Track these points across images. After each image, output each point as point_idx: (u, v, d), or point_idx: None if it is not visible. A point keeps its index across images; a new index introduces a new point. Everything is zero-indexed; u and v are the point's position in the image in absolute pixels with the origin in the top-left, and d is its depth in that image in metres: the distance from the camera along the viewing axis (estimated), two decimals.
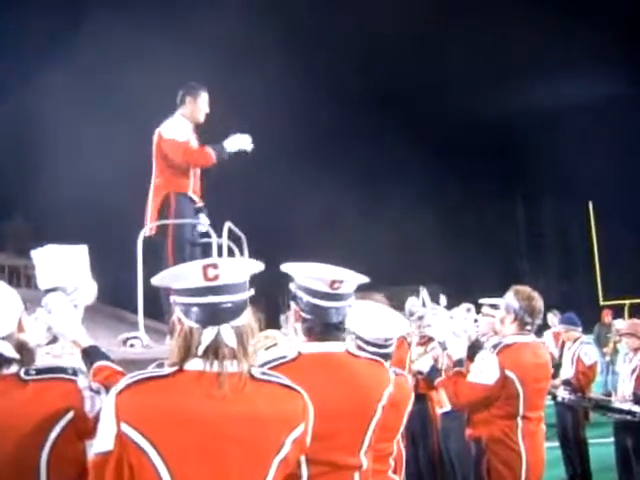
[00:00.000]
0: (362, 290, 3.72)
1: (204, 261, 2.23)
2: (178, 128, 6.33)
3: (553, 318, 11.46)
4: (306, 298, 2.79)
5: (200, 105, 6.48)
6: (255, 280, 2.35)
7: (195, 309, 2.20)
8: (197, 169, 6.54)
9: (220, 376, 2.17)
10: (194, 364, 2.20)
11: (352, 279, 2.83)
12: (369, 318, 3.46)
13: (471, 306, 5.95)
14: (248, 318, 2.27)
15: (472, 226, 38.31)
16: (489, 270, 35.51)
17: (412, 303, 6.61)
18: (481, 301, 5.72)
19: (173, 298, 2.27)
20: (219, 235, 6.05)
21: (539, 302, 4.81)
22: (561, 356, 9.03)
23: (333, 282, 2.75)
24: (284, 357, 2.77)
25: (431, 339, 5.90)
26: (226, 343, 2.18)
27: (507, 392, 4.55)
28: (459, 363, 4.83)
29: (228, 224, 6.14)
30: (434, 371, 5.32)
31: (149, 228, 6.24)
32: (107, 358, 3.07)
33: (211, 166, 6.42)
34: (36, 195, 26.21)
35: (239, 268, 2.29)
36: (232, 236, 6.31)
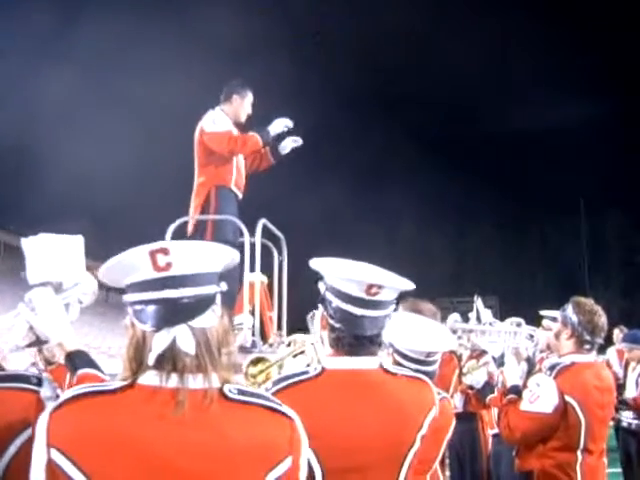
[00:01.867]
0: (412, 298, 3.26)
1: (150, 246, 1.77)
2: (220, 120, 6.16)
3: (619, 334, 10.66)
4: (336, 302, 2.31)
5: (245, 105, 6.38)
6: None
7: (145, 308, 1.76)
8: (241, 164, 6.31)
9: (178, 393, 1.71)
10: (148, 378, 1.75)
11: (394, 284, 2.34)
12: (409, 329, 2.95)
13: (521, 320, 5.35)
14: (217, 318, 1.82)
15: (533, 239, 37.49)
16: (548, 284, 34.59)
17: (454, 319, 6.05)
18: (542, 313, 5.11)
19: (123, 297, 1.83)
20: (252, 234, 5.63)
21: (602, 318, 4.14)
22: (625, 377, 8.35)
23: (370, 286, 2.27)
24: (305, 373, 2.31)
25: (484, 352, 5.38)
26: (181, 349, 1.73)
27: (567, 421, 3.91)
28: (514, 390, 4.25)
29: (263, 221, 5.73)
30: (487, 387, 4.78)
31: (189, 225, 5.87)
32: (94, 365, 2.64)
33: (258, 150, 6.29)
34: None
35: (200, 254, 1.82)
36: (268, 235, 5.90)
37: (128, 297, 1.81)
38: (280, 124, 6.22)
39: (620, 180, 32.69)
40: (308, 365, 3.24)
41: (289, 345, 3.75)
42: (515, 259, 35.22)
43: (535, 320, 5.29)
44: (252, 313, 5.95)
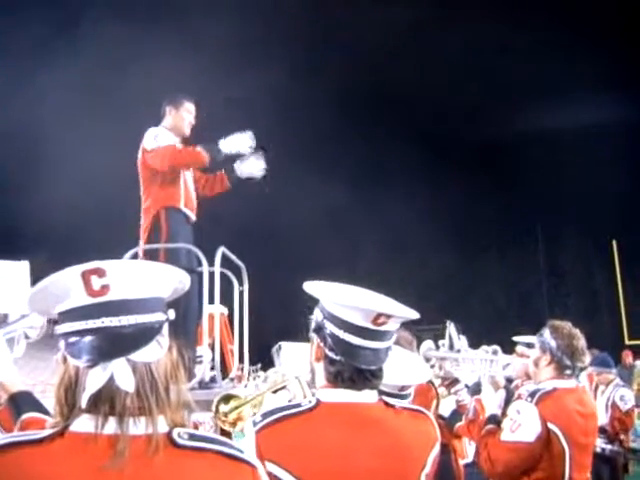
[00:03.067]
0: None
1: (83, 266, 1.51)
2: (162, 136, 5.72)
3: (589, 358, 10.57)
4: (337, 332, 2.10)
5: (183, 115, 5.94)
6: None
7: (80, 340, 1.50)
8: (189, 182, 5.90)
9: (117, 441, 1.45)
10: (81, 424, 1.48)
11: (403, 314, 2.14)
12: None
13: (497, 348, 5.16)
14: (164, 351, 1.56)
15: (492, 265, 37.69)
16: (509, 310, 34.76)
17: (428, 347, 5.83)
18: (515, 339, 4.93)
19: (55, 328, 1.56)
20: (211, 262, 5.35)
21: (581, 341, 3.97)
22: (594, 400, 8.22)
23: (378, 316, 2.07)
24: (297, 406, 2.10)
25: (456, 381, 5.18)
26: (119, 387, 1.47)
27: (550, 450, 3.68)
28: (492, 419, 4.02)
29: (222, 249, 5.45)
30: (456, 416, 4.57)
31: (138, 254, 5.52)
32: (40, 408, 2.36)
33: (202, 166, 5.81)
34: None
35: (143, 276, 1.56)
36: (228, 264, 5.63)
37: (60, 328, 1.54)
38: (237, 143, 5.71)
39: (577, 202, 32.98)
40: (290, 401, 3.00)
41: (265, 380, 3.49)
42: (476, 285, 35.34)
43: (504, 347, 5.13)
44: (212, 346, 5.66)
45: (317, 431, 2.00)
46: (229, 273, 5.91)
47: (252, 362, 5.22)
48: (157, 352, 1.54)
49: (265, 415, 2.05)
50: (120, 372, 1.48)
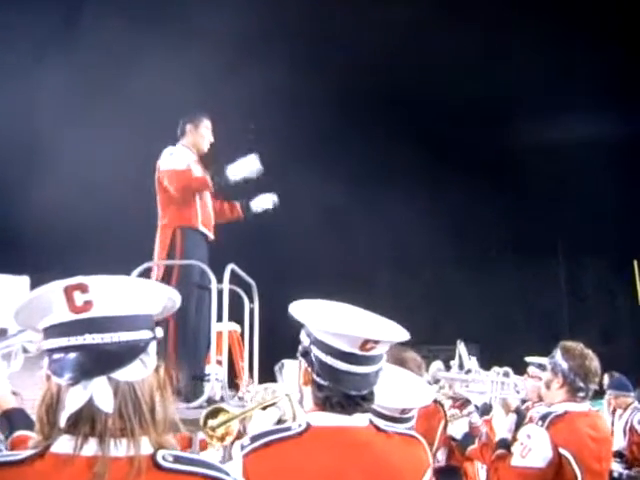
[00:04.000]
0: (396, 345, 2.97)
1: (66, 282, 1.46)
2: (178, 157, 5.79)
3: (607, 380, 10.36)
4: (323, 358, 2.03)
5: (202, 133, 6.02)
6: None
7: (61, 356, 1.45)
8: (206, 201, 5.94)
9: (97, 464, 1.39)
10: (61, 444, 1.43)
11: (391, 338, 2.09)
12: (381, 383, 2.64)
13: (509, 370, 5.07)
14: (150, 370, 1.50)
15: (511, 285, 37.42)
16: (529, 331, 34.44)
17: (437, 367, 5.73)
18: (527, 359, 4.83)
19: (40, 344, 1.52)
20: (220, 279, 5.30)
21: (594, 362, 3.85)
22: (612, 425, 8.06)
23: (366, 342, 2.00)
24: (287, 430, 2.03)
25: (467, 402, 5.09)
26: (98, 407, 1.41)
27: (562, 476, 3.57)
28: (502, 443, 3.92)
29: (231, 266, 5.41)
30: (468, 438, 4.47)
31: (155, 272, 5.51)
32: (32, 426, 2.31)
33: (206, 190, 5.83)
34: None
35: (128, 292, 1.51)
36: (237, 281, 5.58)
37: (44, 344, 1.50)
38: (244, 168, 5.71)
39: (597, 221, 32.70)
40: (280, 419, 2.94)
41: (254, 396, 3.43)
42: (495, 305, 35.07)
43: (520, 367, 5.03)
44: (220, 364, 5.62)
45: (306, 456, 1.94)
46: (239, 290, 5.87)
47: (264, 379, 5.16)
48: (142, 371, 1.49)
49: (253, 439, 1.99)
50: (100, 391, 1.43)
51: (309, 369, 2.08)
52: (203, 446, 4.55)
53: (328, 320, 2.05)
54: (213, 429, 3.06)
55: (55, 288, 1.46)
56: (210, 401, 5.19)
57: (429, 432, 4.29)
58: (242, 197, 6.19)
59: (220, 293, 5.26)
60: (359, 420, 2.07)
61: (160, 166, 5.75)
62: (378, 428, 2.11)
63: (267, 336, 6.31)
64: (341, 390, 2.02)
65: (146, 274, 5.45)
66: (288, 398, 2.94)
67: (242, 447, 1.98)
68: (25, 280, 2.69)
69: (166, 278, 5.49)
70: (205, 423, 3.08)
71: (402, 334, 2.11)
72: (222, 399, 5.28)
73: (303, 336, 2.11)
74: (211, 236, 5.91)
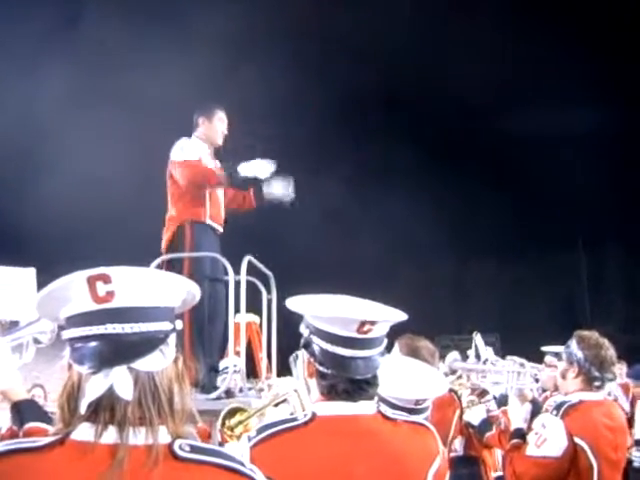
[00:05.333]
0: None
1: (89, 272, 1.49)
2: (190, 148, 5.69)
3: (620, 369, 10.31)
4: (324, 346, 2.06)
5: (216, 125, 5.89)
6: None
7: (84, 346, 1.47)
8: (216, 195, 5.86)
9: (116, 451, 1.42)
10: (81, 432, 1.45)
11: (388, 318, 2.09)
12: (395, 374, 2.66)
13: (524, 360, 5.05)
14: (169, 361, 1.53)
15: (531, 276, 37.13)
16: (550, 322, 34.25)
17: (453, 358, 5.72)
18: (544, 349, 4.82)
19: (62, 333, 1.56)
20: (237, 271, 5.32)
21: (609, 351, 3.83)
22: (632, 414, 8.01)
23: (363, 324, 2.02)
24: (293, 420, 2.05)
25: (485, 391, 5.09)
26: (119, 396, 1.44)
27: (577, 466, 3.56)
28: (518, 433, 3.92)
29: (248, 258, 5.42)
30: (486, 424, 4.46)
31: (159, 265, 5.51)
32: (44, 417, 2.35)
33: (218, 188, 5.77)
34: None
35: (150, 284, 1.54)
36: (255, 271, 5.60)
37: (66, 333, 1.53)
38: (258, 168, 5.64)
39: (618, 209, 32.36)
40: (292, 414, 2.97)
41: (269, 390, 3.45)
42: (515, 295, 34.85)
43: (538, 357, 5.02)
44: (239, 355, 5.65)
45: (312, 446, 1.96)
46: (257, 282, 5.89)
47: (283, 370, 5.20)
48: (161, 362, 1.52)
49: (260, 430, 2.02)
50: (120, 380, 1.46)
51: (312, 360, 2.11)
52: (223, 440, 4.60)
53: (323, 306, 2.08)
54: (232, 429, 3.10)
55: (78, 278, 1.49)
56: (229, 393, 5.23)
57: (443, 421, 4.30)
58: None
59: (237, 284, 5.27)
60: (365, 408, 2.08)
61: (171, 157, 5.67)
62: (385, 416, 2.12)
63: (286, 327, 6.33)
64: (345, 376, 2.04)
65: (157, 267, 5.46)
66: (297, 393, 2.97)
67: (249, 439, 2.00)
68: (32, 272, 2.74)
69: (177, 271, 5.48)
70: (223, 424, 3.12)
71: (398, 314, 2.12)
72: (241, 390, 5.31)
73: (303, 328, 2.14)
74: (220, 230, 5.86)
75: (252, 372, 7.22)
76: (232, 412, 3.17)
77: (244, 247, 5.66)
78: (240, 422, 3.10)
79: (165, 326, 1.54)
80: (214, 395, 5.06)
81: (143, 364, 1.48)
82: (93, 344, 1.47)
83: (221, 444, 4.51)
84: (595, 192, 30.95)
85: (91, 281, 1.48)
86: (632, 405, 8.36)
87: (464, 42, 20.61)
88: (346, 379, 2.06)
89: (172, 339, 1.56)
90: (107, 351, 1.46)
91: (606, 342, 3.87)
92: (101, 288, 1.48)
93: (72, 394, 1.49)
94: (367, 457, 2.01)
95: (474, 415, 4.86)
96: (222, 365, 5.83)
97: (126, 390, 1.45)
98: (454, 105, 21.00)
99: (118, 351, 1.47)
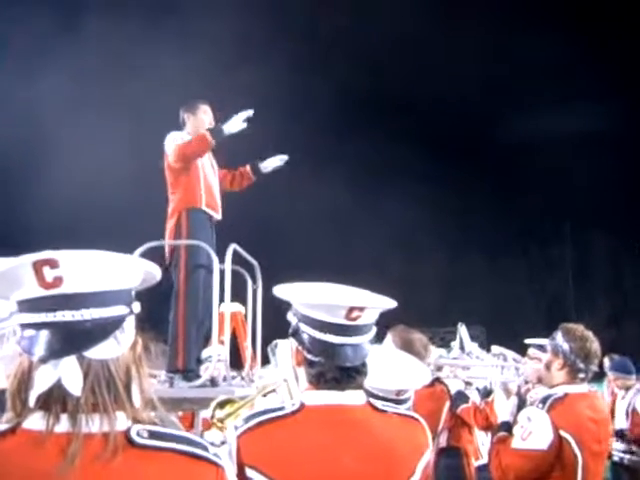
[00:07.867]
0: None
1: (35, 256, 1.43)
2: (180, 138, 5.75)
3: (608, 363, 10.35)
4: (312, 333, 2.03)
5: (202, 118, 5.96)
6: None
7: (32, 333, 1.42)
8: (211, 182, 5.91)
9: (69, 441, 1.37)
10: (33, 421, 1.41)
11: (377, 304, 2.07)
12: (376, 364, 2.64)
13: (505, 352, 5.04)
14: (124, 348, 1.48)
15: (518, 268, 37.28)
16: (536, 314, 34.39)
17: (439, 354, 5.69)
18: (527, 341, 4.81)
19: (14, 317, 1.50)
20: (222, 259, 5.29)
21: (594, 344, 3.84)
22: (613, 406, 8.03)
23: (351, 310, 1.98)
24: (281, 409, 2.02)
25: (468, 384, 5.08)
26: (66, 389, 1.39)
27: (562, 458, 3.57)
28: (504, 426, 3.92)
29: (233, 246, 5.40)
30: (461, 396, 4.45)
31: (165, 252, 5.54)
32: None
33: (210, 148, 5.78)
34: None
35: (100, 267, 1.47)
36: (241, 261, 5.57)
37: (17, 318, 1.47)
38: (238, 122, 5.67)
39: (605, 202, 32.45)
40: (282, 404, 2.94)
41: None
42: (502, 288, 34.99)
43: (523, 350, 5.01)
44: (223, 344, 5.63)
45: (300, 435, 1.93)
46: (243, 271, 5.86)
47: (268, 361, 5.18)
48: (115, 349, 1.46)
49: (247, 419, 2.00)
50: (68, 373, 1.40)
51: (300, 348, 2.08)
52: (207, 426, 4.57)
53: (312, 293, 2.06)
54: (221, 421, 3.06)
55: (24, 262, 1.43)
56: (213, 381, 5.21)
57: (433, 414, 4.28)
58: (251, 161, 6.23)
59: (222, 273, 5.25)
60: (354, 398, 2.06)
61: (166, 150, 5.75)
62: (375, 407, 2.10)
63: (271, 317, 6.31)
64: (334, 364, 2.02)
65: (157, 260, 5.43)
66: (286, 383, 2.94)
67: (235, 428, 1.98)
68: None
69: (175, 258, 5.53)
70: (213, 416, 3.08)
71: (387, 301, 2.09)
72: (225, 379, 5.29)
73: (290, 316, 2.11)
74: (217, 216, 5.88)
75: (237, 362, 7.19)
76: (222, 404, 3.13)
77: (238, 231, 5.67)
78: (229, 414, 3.07)
79: (120, 310, 1.48)
80: (198, 383, 5.05)
81: (96, 352, 1.43)
82: (43, 332, 1.41)
83: (206, 428, 4.49)
84: (582, 190, 31.03)
85: (37, 266, 1.42)
86: (611, 397, 8.40)
87: (464, 43, 20.64)
88: (335, 367, 2.03)
89: (129, 323, 1.50)
90: (57, 340, 1.41)
91: (591, 335, 3.88)
92: (48, 273, 1.42)
93: (23, 382, 1.43)
94: (355, 447, 1.99)
95: (452, 385, 4.84)
96: (205, 354, 5.83)
97: (75, 384, 1.40)
98: (453, 105, 21.06)
99: (69, 340, 1.41)
